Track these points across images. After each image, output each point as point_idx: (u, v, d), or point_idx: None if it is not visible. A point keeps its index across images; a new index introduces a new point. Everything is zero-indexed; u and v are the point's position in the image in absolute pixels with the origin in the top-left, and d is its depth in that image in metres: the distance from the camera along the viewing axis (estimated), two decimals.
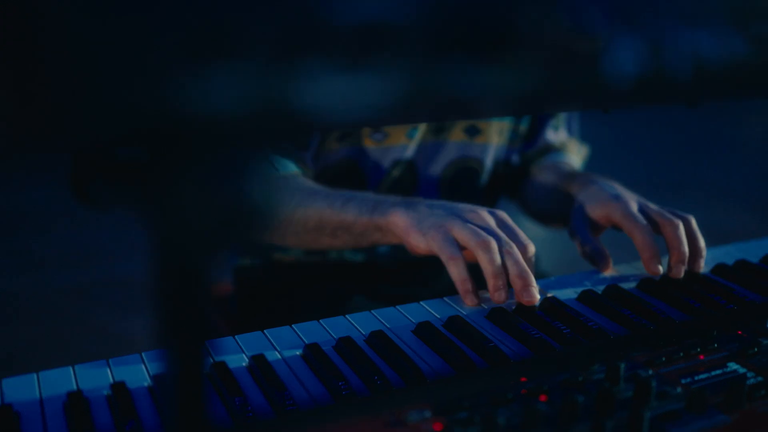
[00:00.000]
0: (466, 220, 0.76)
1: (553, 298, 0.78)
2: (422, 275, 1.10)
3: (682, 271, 0.83)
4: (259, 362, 0.64)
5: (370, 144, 1.02)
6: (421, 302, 0.77)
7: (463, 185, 1.09)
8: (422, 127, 1.03)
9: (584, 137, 1.27)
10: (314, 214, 0.89)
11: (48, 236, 3.03)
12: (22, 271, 2.68)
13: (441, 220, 0.76)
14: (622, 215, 0.86)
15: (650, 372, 0.61)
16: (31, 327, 2.28)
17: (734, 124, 4.86)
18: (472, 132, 1.07)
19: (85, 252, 2.86)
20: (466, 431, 0.52)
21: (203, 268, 0.28)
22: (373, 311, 0.75)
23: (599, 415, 0.53)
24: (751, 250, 0.94)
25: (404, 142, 1.03)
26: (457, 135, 1.06)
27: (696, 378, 0.61)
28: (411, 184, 1.06)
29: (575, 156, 1.21)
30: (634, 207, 0.87)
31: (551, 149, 1.18)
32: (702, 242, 0.86)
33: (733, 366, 0.63)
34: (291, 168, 0.96)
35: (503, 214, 0.79)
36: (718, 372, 0.62)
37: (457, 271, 0.75)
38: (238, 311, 1.13)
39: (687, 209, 0.90)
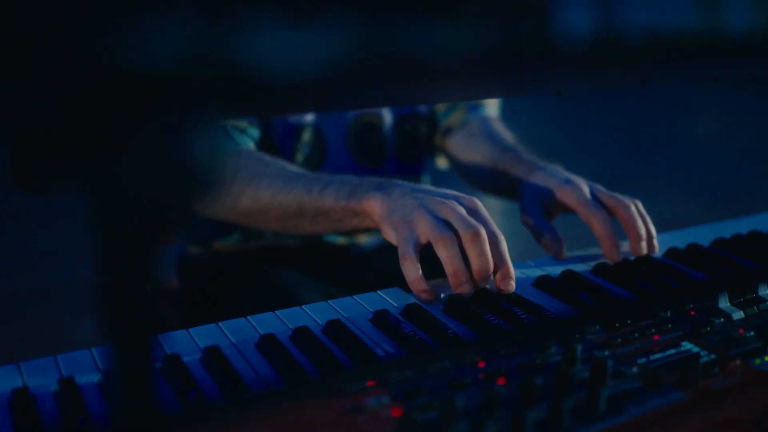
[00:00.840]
0: (432, 212, 0.74)
1: None
2: (364, 260, 1.10)
3: (644, 248, 0.85)
4: (213, 354, 0.62)
5: None
6: (378, 291, 0.76)
7: (367, 142, 1.09)
8: None
9: (529, 129, 1.28)
10: (293, 200, 0.87)
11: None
12: None
13: (408, 212, 0.74)
14: (577, 202, 0.86)
15: (606, 353, 0.61)
16: None
17: (680, 115, 4.96)
18: None
19: (32, 256, 2.78)
20: (425, 416, 0.51)
21: (149, 254, 0.27)
22: (329, 301, 0.74)
23: (557, 396, 0.53)
24: (702, 235, 0.95)
25: None
26: None
27: (651, 358, 0.61)
28: (320, 149, 1.06)
29: (493, 108, 1.20)
30: (587, 192, 0.88)
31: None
32: (651, 224, 0.88)
33: (687, 345, 0.63)
34: (248, 143, 0.96)
35: (473, 202, 0.78)
36: (673, 351, 0.62)
37: (407, 271, 0.73)
38: (185, 303, 1.11)
39: (638, 199, 0.91)
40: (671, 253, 0.87)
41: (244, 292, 1.01)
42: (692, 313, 0.69)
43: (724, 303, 0.70)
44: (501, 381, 0.57)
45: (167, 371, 0.60)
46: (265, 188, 0.89)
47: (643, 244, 0.85)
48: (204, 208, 0.96)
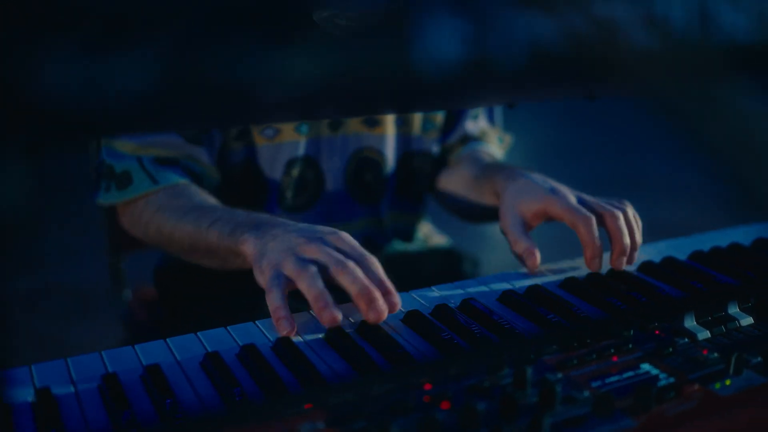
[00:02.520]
0: (297, 254, 0.70)
1: (473, 299, 0.75)
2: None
3: (623, 264, 0.83)
4: (152, 373, 0.60)
5: (261, 142, 0.99)
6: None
7: (367, 177, 1.07)
8: (315, 123, 1.01)
9: (522, 131, 1.26)
10: (185, 235, 0.85)
11: None
12: None
13: (275, 257, 0.71)
14: (562, 208, 0.83)
15: (559, 375, 0.59)
16: None
17: (680, 120, 4.88)
18: (371, 123, 1.05)
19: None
20: None
21: None
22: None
23: (499, 423, 0.51)
24: (682, 247, 0.92)
25: (295, 138, 1.00)
26: (355, 126, 1.04)
27: (606, 381, 0.59)
28: (316, 181, 1.04)
29: (495, 146, 1.18)
30: (573, 199, 0.85)
31: (470, 139, 1.16)
32: (638, 233, 0.85)
33: (646, 367, 0.61)
34: (172, 179, 0.92)
35: (338, 236, 0.73)
36: (630, 374, 0.60)
37: (270, 300, 0.69)
38: (162, 315, 1.09)
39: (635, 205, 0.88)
40: (645, 267, 0.85)
41: (223, 299, 0.99)
42: (657, 332, 0.67)
43: (690, 322, 0.67)
44: (445, 405, 0.54)
45: (103, 391, 0.58)
46: (164, 222, 0.88)
47: (624, 259, 0.83)
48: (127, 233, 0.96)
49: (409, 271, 1.08)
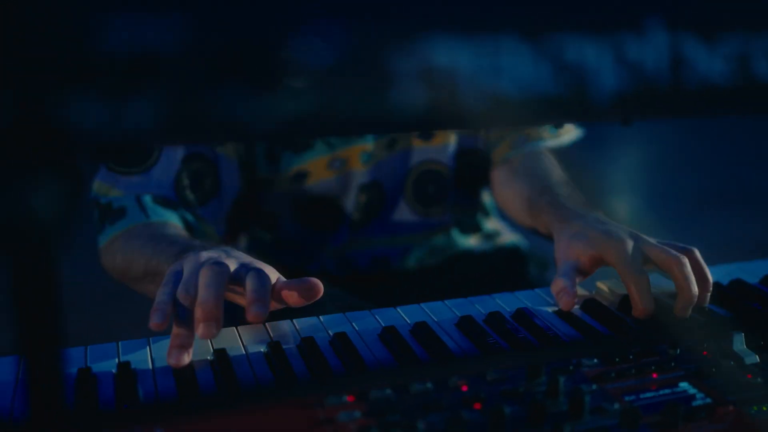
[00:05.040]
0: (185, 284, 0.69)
1: (527, 309, 0.78)
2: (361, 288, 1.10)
3: (688, 312, 0.77)
4: (220, 356, 0.67)
5: (330, 174, 1.04)
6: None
7: (429, 190, 1.10)
8: (373, 149, 1.04)
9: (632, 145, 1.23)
10: (142, 260, 0.86)
11: None
12: None
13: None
14: (617, 260, 0.78)
15: (593, 387, 0.61)
16: None
17: None
18: (426, 135, 1.07)
19: None
20: None
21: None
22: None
23: (524, 427, 0.54)
24: (757, 270, 0.91)
25: (361, 168, 1.05)
26: (413, 141, 1.07)
27: (641, 396, 0.60)
28: (380, 201, 1.08)
29: (548, 137, 1.12)
30: (630, 248, 0.78)
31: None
32: (709, 275, 0.79)
33: (684, 386, 0.62)
34: (167, 217, 0.92)
35: (228, 258, 0.74)
36: (667, 391, 0.61)
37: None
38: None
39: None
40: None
41: None
42: (705, 353, 0.67)
43: (739, 345, 0.67)
44: (477, 406, 0.58)
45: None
46: (128, 249, 0.89)
47: (689, 309, 0.77)
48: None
49: (473, 272, 1.11)
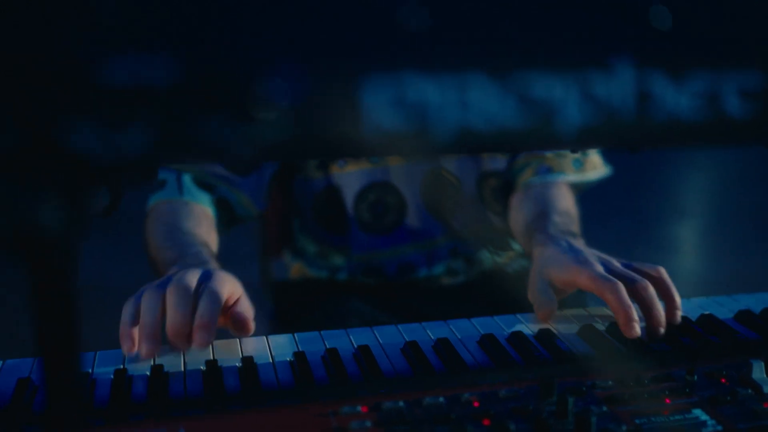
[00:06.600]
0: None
1: (549, 330, 0.79)
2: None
3: (661, 333, 0.77)
4: (246, 364, 0.70)
5: (335, 170, 1.10)
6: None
7: (441, 198, 1.12)
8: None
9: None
10: (156, 253, 0.96)
11: None
12: None
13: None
14: (587, 278, 0.80)
15: (604, 408, 0.62)
16: None
17: None
18: None
19: None
20: None
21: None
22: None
23: None
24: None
25: (368, 166, 1.09)
26: None
27: (652, 419, 0.61)
28: (398, 205, 1.11)
29: (570, 171, 1.12)
30: (598, 267, 0.81)
31: (535, 158, 1.11)
32: (676, 294, 0.80)
33: (697, 413, 0.62)
34: (199, 199, 1.03)
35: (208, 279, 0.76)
36: (679, 417, 0.61)
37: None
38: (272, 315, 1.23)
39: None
40: (741, 315, 0.84)
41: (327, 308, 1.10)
42: (723, 380, 0.67)
43: (758, 373, 0.67)
44: (486, 422, 0.60)
45: (204, 372, 0.69)
46: (151, 228, 1.00)
47: (661, 330, 0.77)
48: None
49: (495, 292, 1.12)
